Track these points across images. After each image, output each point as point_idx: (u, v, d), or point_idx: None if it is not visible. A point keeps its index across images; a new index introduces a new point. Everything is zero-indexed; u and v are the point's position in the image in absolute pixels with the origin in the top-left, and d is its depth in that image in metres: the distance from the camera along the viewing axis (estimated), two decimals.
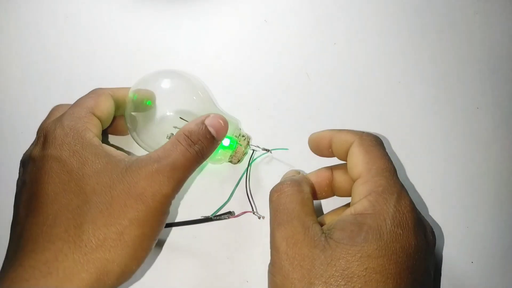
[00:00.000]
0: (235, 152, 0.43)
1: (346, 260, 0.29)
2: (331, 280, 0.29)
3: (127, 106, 0.42)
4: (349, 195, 0.38)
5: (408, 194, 0.33)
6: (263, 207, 0.43)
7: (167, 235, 0.43)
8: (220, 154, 0.43)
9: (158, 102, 0.41)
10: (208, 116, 0.38)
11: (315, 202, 0.36)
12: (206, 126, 0.37)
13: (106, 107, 0.40)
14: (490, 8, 0.52)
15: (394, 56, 0.51)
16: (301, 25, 0.52)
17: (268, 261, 0.34)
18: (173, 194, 0.35)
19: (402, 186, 0.33)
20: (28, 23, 0.53)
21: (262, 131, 0.47)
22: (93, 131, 0.37)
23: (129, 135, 0.43)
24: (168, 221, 0.42)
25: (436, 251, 0.36)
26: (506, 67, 0.50)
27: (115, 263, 0.32)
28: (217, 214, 0.43)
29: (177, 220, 0.43)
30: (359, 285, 0.29)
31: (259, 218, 0.43)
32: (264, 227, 0.42)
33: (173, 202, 0.36)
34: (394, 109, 0.48)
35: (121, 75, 0.50)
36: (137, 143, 0.42)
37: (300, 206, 0.34)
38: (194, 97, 0.42)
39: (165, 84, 0.42)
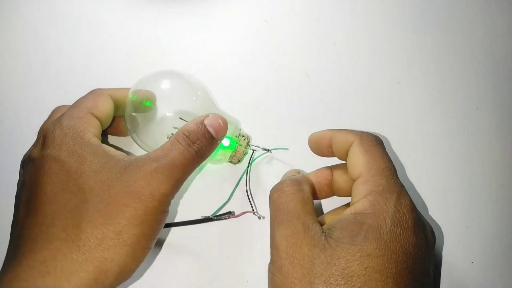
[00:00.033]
0: (235, 152, 0.43)
1: (346, 259, 0.29)
2: (331, 279, 0.29)
3: (126, 106, 0.42)
4: (349, 195, 0.38)
5: (408, 193, 0.33)
6: (263, 207, 0.43)
7: (167, 235, 0.43)
8: (220, 154, 0.43)
9: (157, 102, 0.41)
10: (207, 116, 0.38)
11: (315, 202, 0.36)
12: (205, 126, 0.37)
13: (105, 108, 0.40)
14: (490, 8, 0.52)
15: (394, 56, 0.51)
16: (301, 25, 0.52)
17: (268, 261, 0.34)
18: (172, 193, 0.35)
19: (402, 185, 0.34)
20: (28, 23, 0.53)
21: (262, 131, 0.47)
22: (92, 131, 0.37)
23: (130, 136, 0.43)
24: (168, 221, 0.42)
25: (436, 251, 0.36)
26: (506, 67, 0.50)
27: (113, 262, 0.32)
28: (217, 214, 0.43)
29: (177, 220, 0.43)
30: (359, 284, 0.29)
31: (259, 218, 0.43)
32: (264, 227, 0.42)
33: (173, 202, 0.36)
34: (394, 109, 0.48)
35: (121, 76, 0.50)
36: (137, 144, 0.42)
37: (300, 205, 0.34)
38: (194, 98, 0.42)
39: (165, 84, 0.42)
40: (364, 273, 0.29)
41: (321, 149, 0.40)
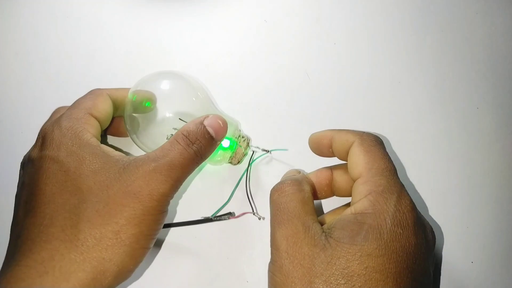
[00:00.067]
0: (235, 153, 0.43)
1: (346, 259, 0.29)
2: (331, 279, 0.29)
3: (126, 107, 0.42)
4: (349, 195, 0.38)
5: (408, 193, 0.33)
6: (263, 208, 0.43)
7: (167, 235, 0.43)
8: (219, 155, 0.43)
9: (157, 103, 0.41)
10: (207, 116, 0.38)
11: (315, 202, 0.36)
12: (204, 126, 0.37)
13: (104, 108, 0.40)
14: (490, 8, 0.52)
15: (394, 56, 0.51)
16: (301, 25, 0.52)
17: (268, 261, 0.34)
18: (170, 193, 0.35)
19: (402, 185, 0.34)
20: (28, 23, 0.53)
21: (262, 131, 0.47)
22: (91, 132, 0.37)
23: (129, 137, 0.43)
24: (168, 221, 0.42)
25: (436, 251, 0.36)
26: (506, 67, 0.50)
27: (112, 262, 0.32)
28: (217, 214, 0.43)
29: (177, 221, 0.43)
30: (359, 284, 0.29)
31: (259, 219, 0.43)
32: (264, 228, 0.42)
33: (173, 202, 0.36)
34: (394, 109, 0.48)
35: (121, 76, 0.50)
36: (137, 145, 0.42)
37: (300, 205, 0.34)
38: (194, 98, 0.42)
39: (165, 85, 0.42)
40: (364, 272, 0.29)
41: (321, 149, 0.40)
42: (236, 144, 0.42)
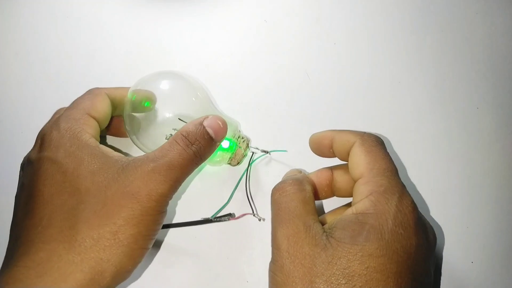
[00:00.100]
0: (234, 155, 0.43)
1: (347, 259, 0.29)
2: (332, 278, 0.29)
3: (125, 107, 0.41)
4: (349, 196, 0.38)
5: (409, 194, 0.33)
6: (263, 209, 0.43)
7: (166, 235, 0.43)
8: (219, 156, 0.43)
9: (157, 103, 0.41)
10: (206, 117, 0.38)
11: (316, 202, 0.36)
12: (204, 127, 0.37)
13: (102, 108, 0.40)
14: (490, 8, 0.52)
15: (394, 56, 0.51)
16: (301, 25, 0.52)
17: (268, 261, 0.34)
18: (169, 193, 0.35)
19: (403, 186, 0.33)
20: (28, 23, 0.53)
21: (262, 131, 0.47)
22: (89, 132, 0.37)
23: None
24: (167, 221, 0.42)
25: (436, 251, 0.36)
26: (506, 67, 0.50)
27: (110, 263, 0.32)
28: (217, 215, 0.43)
29: (176, 221, 0.43)
30: (360, 284, 0.29)
31: (259, 220, 0.43)
32: (264, 228, 0.42)
33: (172, 202, 0.36)
34: (395, 109, 0.48)
35: (121, 76, 0.50)
36: (136, 145, 0.42)
37: (301, 205, 0.34)
38: (194, 98, 0.42)
39: (164, 85, 0.42)
40: (365, 273, 0.29)
41: (322, 149, 0.40)
42: (236, 145, 0.42)
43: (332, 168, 0.40)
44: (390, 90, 0.49)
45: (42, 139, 0.37)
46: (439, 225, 0.43)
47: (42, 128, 0.39)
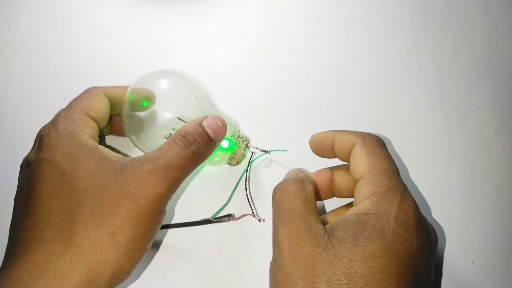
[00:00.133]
0: (234, 155, 0.43)
1: (349, 259, 0.29)
2: (333, 278, 0.29)
3: (124, 106, 0.41)
4: (349, 196, 0.38)
5: (411, 194, 0.33)
6: (263, 210, 0.43)
7: (165, 236, 0.43)
8: (218, 155, 0.42)
9: (156, 102, 0.41)
10: (206, 117, 0.38)
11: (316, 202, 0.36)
12: (203, 127, 0.37)
13: (100, 107, 0.40)
14: (490, 8, 0.52)
15: (394, 56, 0.51)
16: (301, 25, 0.52)
17: (268, 261, 0.34)
18: (167, 194, 0.35)
19: (405, 186, 0.33)
20: (28, 23, 0.53)
21: (262, 131, 0.47)
22: (88, 133, 0.37)
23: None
24: (167, 222, 0.42)
25: (437, 252, 0.36)
26: (506, 67, 0.50)
27: (107, 264, 0.32)
28: (217, 216, 0.43)
29: (176, 222, 0.43)
30: (361, 284, 0.29)
31: (259, 221, 0.43)
32: (264, 228, 0.42)
33: (172, 203, 0.36)
34: (394, 109, 0.48)
35: (121, 76, 0.50)
36: (134, 144, 0.42)
37: (303, 204, 0.34)
38: (193, 98, 0.42)
39: (163, 84, 0.42)
40: (366, 273, 0.29)
41: (322, 150, 0.40)
42: (235, 145, 0.42)
43: (332, 169, 0.40)
44: (390, 90, 0.49)
45: (40, 140, 0.37)
46: (440, 226, 0.43)
47: (41, 129, 0.39)
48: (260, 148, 0.44)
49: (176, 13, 0.53)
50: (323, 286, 0.29)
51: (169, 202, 0.36)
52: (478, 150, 0.47)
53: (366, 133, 0.37)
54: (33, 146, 0.38)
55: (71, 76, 0.51)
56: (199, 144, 0.36)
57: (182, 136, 0.36)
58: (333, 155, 0.39)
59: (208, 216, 0.43)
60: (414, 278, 0.30)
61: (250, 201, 0.43)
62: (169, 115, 0.41)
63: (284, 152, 0.45)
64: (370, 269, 0.29)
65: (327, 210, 0.44)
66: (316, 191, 0.39)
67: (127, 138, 0.42)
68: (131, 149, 0.46)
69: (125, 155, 0.46)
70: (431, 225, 0.35)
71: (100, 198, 0.33)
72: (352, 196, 0.36)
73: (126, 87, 0.42)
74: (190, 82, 0.43)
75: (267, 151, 0.44)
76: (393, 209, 0.31)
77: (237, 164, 0.44)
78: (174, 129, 0.39)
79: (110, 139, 0.47)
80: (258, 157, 0.45)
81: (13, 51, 0.52)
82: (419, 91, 0.49)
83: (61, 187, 0.34)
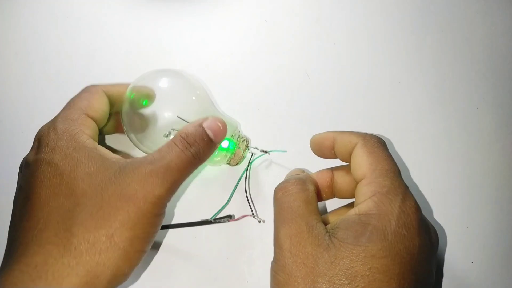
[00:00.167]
0: (234, 155, 0.43)
1: (350, 260, 0.29)
2: (335, 279, 0.29)
3: (123, 105, 0.41)
4: (350, 197, 0.38)
5: (412, 195, 0.33)
6: (263, 210, 0.43)
7: (165, 237, 0.43)
8: (218, 155, 0.42)
9: (156, 101, 0.41)
10: (206, 118, 0.38)
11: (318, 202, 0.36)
12: (203, 129, 0.37)
13: (100, 107, 0.40)
14: (490, 8, 0.52)
15: (394, 56, 0.51)
16: (301, 25, 0.52)
17: (268, 262, 0.34)
18: (167, 195, 0.35)
19: (406, 187, 0.33)
20: (28, 23, 0.53)
21: (262, 131, 0.47)
22: (87, 133, 0.37)
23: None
24: (167, 222, 0.42)
25: (438, 252, 0.36)
26: (506, 67, 0.50)
27: (106, 266, 0.32)
28: (217, 217, 0.43)
29: (175, 222, 0.43)
30: (363, 285, 0.29)
31: (259, 222, 0.43)
32: (264, 229, 0.42)
33: (171, 203, 0.36)
34: (395, 109, 0.48)
35: (121, 76, 0.49)
36: (134, 144, 0.42)
37: (304, 204, 0.34)
38: (193, 97, 0.42)
39: (164, 83, 0.42)
40: (367, 273, 0.29)
41: (323, 150, 0.40)
42: (235, 145, 0.42)
43: (332, 169, 0.40)
44: (390, 90, 0.49)
45: (39, 141, 0.37)
46: (441, 226, 0.43)
47: (40, 129, 0.38)
48: (260, 149, 0.44)
49: (176, 13, 0.53)
50: (325, 286, 0.29)
51: (168, 203, 0.36)
52: (478, 150, 0.47)
53: (367, 134, 0.37)
54: (32, 147, 0.38)
55: (71, 76, 0.50)
56: (199, 146, 0.36)
57: (182, 137, 0.36)
58: (333, 156, 0.39)
59: (208, 216, 0.42)
60: (416, 278, 0.30)
61: (250, 202, 0.43)
62: (169, 114, 0.40)
63: (284, 152, 0.45)
64: (372, 270, 0.29)
65: (329, 210, 0.44)
66: (317, 191, 0.39)
67: (126, 139, 0.42)
68: (132, 149, 0.46)
69: (126, 155, 0.46)
70: (432, 225, 0.35)
71: (99, 199, 0.33)
72: (353, 197, 0.36)
73: (125, 85, 0.42)
74: (190, 82, 0.43)
75: (267, 152, 0.44)
76: (394, 210, 0.31)
77: (236, 164, 0.44)
78: (173, 129, 0.39)
79: (110, 139, 0.47)
80: (258, 157, 0.45)
81: (13, 51, 0.52)
82: (419, 91, 0.49)
83: (60, 188, 0.34)
